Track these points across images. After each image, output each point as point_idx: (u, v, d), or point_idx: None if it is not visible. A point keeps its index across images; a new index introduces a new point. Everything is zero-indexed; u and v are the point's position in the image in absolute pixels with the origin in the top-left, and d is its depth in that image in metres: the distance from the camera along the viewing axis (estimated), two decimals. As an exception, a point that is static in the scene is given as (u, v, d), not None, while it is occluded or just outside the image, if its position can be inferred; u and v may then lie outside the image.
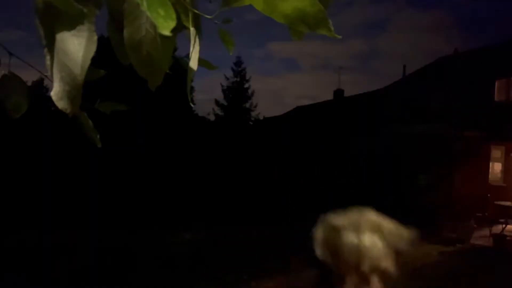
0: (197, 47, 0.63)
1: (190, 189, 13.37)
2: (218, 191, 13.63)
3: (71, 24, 0.53)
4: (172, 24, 0.53)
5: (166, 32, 0.53)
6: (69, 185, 12.00)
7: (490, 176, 12.54)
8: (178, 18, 0.55)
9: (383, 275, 1.18)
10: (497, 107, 12.97)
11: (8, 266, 5.92)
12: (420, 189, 11.07)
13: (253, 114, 26.26)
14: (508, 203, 9.74)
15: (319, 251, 1.25)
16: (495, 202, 10.23)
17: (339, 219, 1.24)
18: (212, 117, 25.38)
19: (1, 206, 9.41)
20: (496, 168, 13.02)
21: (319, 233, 1.27)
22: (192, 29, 0.61)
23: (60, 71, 0.55)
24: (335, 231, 1.21)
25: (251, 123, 25.55)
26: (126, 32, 0.59)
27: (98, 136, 0.81)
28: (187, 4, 0.60)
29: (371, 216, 1.23)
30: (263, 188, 14.12)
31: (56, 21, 0.54)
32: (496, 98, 13.24)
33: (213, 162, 15.18)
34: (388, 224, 1.21)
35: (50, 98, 0.58)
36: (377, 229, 1.19)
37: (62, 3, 0.53)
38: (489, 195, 10.99)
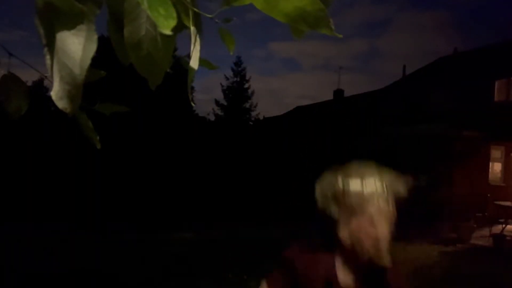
0: (197, 46, 0.63)
1: (190, 189, 13.37)
2: (218, 191, 13.63)
3: (71, 23, 0.53)
4: (173, 23, 0.53)
5: (167, 31, 0.53)
6: (69, 185, 12.00)
7: (490, 176, 12.54)
8: (179, 17, 0.55)
9: (388, 218, 1.25)
10: (496, 107, 12.97)
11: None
12: (420, 189, 11.07)
13: (253, 114, 26.28)
14: (508, 203, 9.74)
15: (322, 202, 1.30)
16: (495, 202, 10.23)
17: (341, 170, 1.30)
18: (212, 117, 25.40)
19: (1, 205, 9.41)
20: (496, 168, 13.03)
21: (322, 183, 1.32)
22: (192, 28, 0.61)
23: (60, 71, 0.55)
24: (338, 179, 1.27)
25: (251, 123, 25.55)
26: (126, 31, 0.59)
27: (98, 138, 0.81)
28: (187, 3, 0.60)
29: (372, 165, 1.30)
30: (263, 188, 14.11)
31: (56, 20, 0.53)
32: (495, 98, 13.24)
33: (213, 162, 15.18)
34: (388, 172, 1.29)
35: (50, 98, 0.57)
36: (378, 176, 1.26)
37: (62, 2, 0.52)
38: (489, 195, 10.99)
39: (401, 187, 1.28)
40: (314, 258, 1.37)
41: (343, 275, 1.34)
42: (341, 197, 1.26)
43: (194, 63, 0.64)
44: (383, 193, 1.24)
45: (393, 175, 1.29)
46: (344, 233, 1.28)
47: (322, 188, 1.32)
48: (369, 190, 1.23)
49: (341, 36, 0.56)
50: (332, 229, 1.30)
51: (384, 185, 1.25)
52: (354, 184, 1.25)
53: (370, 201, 1.23)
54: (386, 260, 1.26)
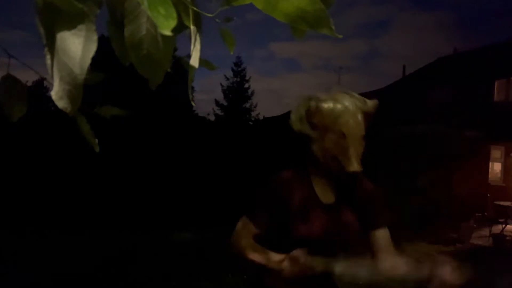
0: (198, 46, 0.63)
1: (190, 189, 13.37)
2: (218, 191, 13.63)
3: (72, 23, 0.53)
4: (173, 23, 0.53)
5: (167, 32, 0.53)
6: (69, 185, 12.00)
7: (489, 176, 12.55)
8: (179, 18, 0.55)
9: (356, 129, 1.41)
10: (496, 107, 12.98)
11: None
12: (419, 189, 11.07)
13: (253, 114, 26.28)
14: (507, 203, 9.74)
15: (296, 122, 1.44)
16: (495, 202, 10.24)
17: (313, 94, 1.45)
18: (212, 117, 25.41)
19: (1, 207, 9.41)
20: (495, 168, 13.03)
21: (297, 106, 1.45)
22: (192, 27, 0.61)
23: (60, 71, 0.55)
24: (312, 100, 1.42)
25: (251, 123, 25.55)
26: (126, 31, 0.59)
27: (96, 141, 0.81)
28: (187, 2, 0.60)
29: (343, 90, 1.44)
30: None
31: (57, 20, 0.53)
32: (496, 98, 13.25)
33: (213, 162, 15.19)
34: (354, 94, 1.43)
35: (50, 98, 0.57)
36: (347, 96, 1.41)
37: (63, 2, 0.52)
38: (488, 195, 11.00)
39: (368, 104, 1.42)
40: (291, 185, 1.46)
41: (321, 192, 1.46)
42: (314, 115, 1.40)
43: (194, 62, 0.64)
44: (352, 110, 1.38)
45: (360, 96, 1.43)
46: (317, 148, 1.41)
47: (297, 109, 1.44)
48: (339, 107, 1.37)
49: (341, 36, 0.57)
50: (306, 148, 1.44)
51: (353, 103, 1.39)
52: (326, 103, 1.39)
53: (341, 116, 1.37)
54: (356, 165, 1.39)
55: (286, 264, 1.35)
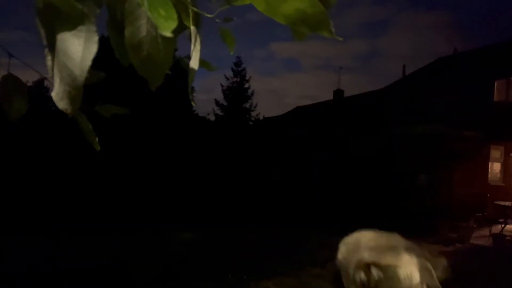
0: (198, 46, 0.63)
1: (191, 189, 13.37)
2: (218, 191, 13.62)
3: (72, 24, 0.53)
4: (173, 24, 0.53)
5: (167, 33, 0.53)
6: (69, 185, 12.00)
7: (489, 176, 12.55)
8: (179, 18, 0.55)
9: None
10: (496, 107, 12.98)
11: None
12: (420, 189, 11.07)
13: (253, 114, 26.26)
14: (507, 203, 9.74)
15: (344, 281, 1.12)
16: (495, 202, 10.23)
17: (370, 248, 1.10)
18: (212, 117, 25.39)
19: (1, 207, 9.41)
20: (495, 168, 13.03)
21: (347, 265, 1.12)
22: (192, 28, 0.61)
23: (60, 71, 0.55)
24: (370, 268, 1.07)
25: (251, 123, 25.54)
26: (126, 32, 0.59)
27: (97, 140, 0.80)
28: (187, 3, 0.60)
29: (401, 244, 1.11)
30: (263, 188, 14.11)
31: (57, 21, 0.53)
32: (495, 98, 13.25)
33: (213, 162, 15.18)
34: (423, 254, 1.10)
35: (50, 98, 0.58)
36: (414, 264, 1.07)
37: (63, 3, 0.52)
38: (488, 195, 10.99)
39: (439, 273, 1.08)
40: None
41: None
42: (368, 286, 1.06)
43: (194, 62, 0.63)
44: (416, 285, 1.05)
45: (428, 257, 1.09)
46: None
47: (347, 271, 1.11)
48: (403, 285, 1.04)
49: (341, 39, 0.56)
50: None
51: (419, 275, 1.06)
52: (387, 275, 1.05)
53: None
54: None
55: None
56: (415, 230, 8.64)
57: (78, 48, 0.54)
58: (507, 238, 8.24)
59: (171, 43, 0.61)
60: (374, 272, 1.05)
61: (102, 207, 10.42)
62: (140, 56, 0.60)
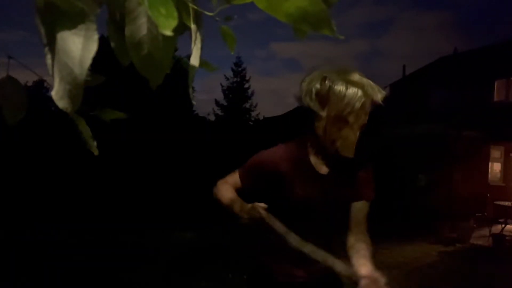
0: (198, 44, 0.63)
1: (191, 189, 13.37)
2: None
3: (72, 22, 0.53)
4: (174, 23, 0.53)
5: (167, 32, 0.53)
6: (69, 185, 12.00)
7: (489, 176, 12.55)
8: (180, 18, 0.55)
9: (360, 121, 1.41)
10: (496, 107, 12.98)
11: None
12: (419, 189, 11.07)
13: (253, 114, 26.28)
14: (507, 203, 9.74)
15: (306, 97, 1.43)
16: (495, 202, 10.23)
17: (328, 71, 1.42)
18: (212, 117, 25.41)
19: (1, 207, 9.41)
20: (495, 168, 13.04)
21: (310, 81, 1.43)
22: (193, 26, 0.61)
23: (60, 71, 0.54)
24: (326, 81, 1.39)
25: (251, 123, 25.55)
26: (127, 31, 0.59)
27: (95, 144, 0.79)
28: (188, 1, 0.60)
29: (355, 73, 1.41)
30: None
31: (57, 19, 0.53)
32: (495, 98, 13.26)
33: (213, 162, 15.19)
34: (368, 81, 1.40)
35: (50, 98, 0.57)
36: (362, 84, 1.38)
37: (63, 1, 0.52)
38: (488, 195, 11.00)
39: (379, 95, 1.40)
40: (288, 151, 1.55)
41: (316, 162, 1.52)
42: (324, 96, 1.39)
43: (195, 61, 0.63)
44: (363, 99, 1.37)
45: (373, 84, 1.40)
46: (319, 126, 1.44)
47: (309, 84, 1.43)
48: (351, 94, 1.36)
49: (342, 37, 0.56)
50: (309, 119, 1.46)
51: (365, 91, 1.37)
52: (340, 86, 1.37)
53: (350, 104, 1.36)
54: (351, 152, 1.43)
55: (246, 210, 1.50)
56: (415, 230, 8.65)
57: (78, 47, 0.53)
58: (507, 238, 8.24)
59: (172, 42, 0.61)
60: (326, 83, 1.39)
61: (102, 207, 10.42)
62: (140, 55, 0.60)
